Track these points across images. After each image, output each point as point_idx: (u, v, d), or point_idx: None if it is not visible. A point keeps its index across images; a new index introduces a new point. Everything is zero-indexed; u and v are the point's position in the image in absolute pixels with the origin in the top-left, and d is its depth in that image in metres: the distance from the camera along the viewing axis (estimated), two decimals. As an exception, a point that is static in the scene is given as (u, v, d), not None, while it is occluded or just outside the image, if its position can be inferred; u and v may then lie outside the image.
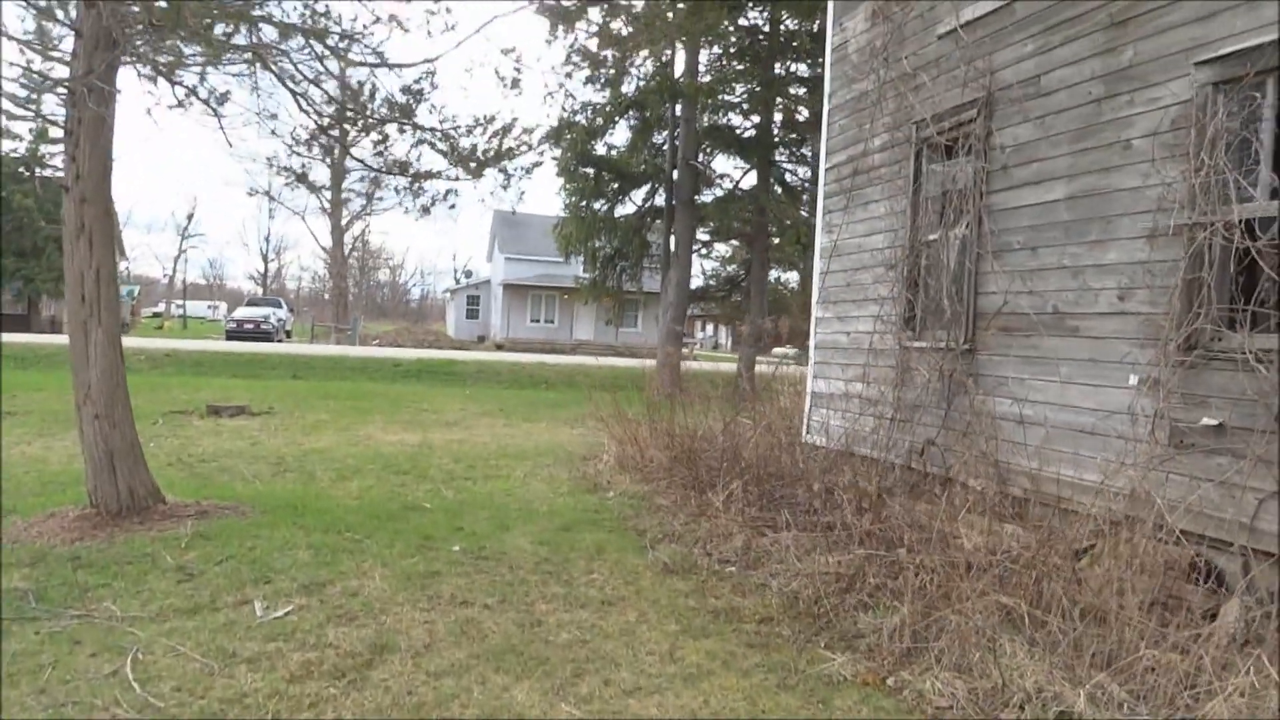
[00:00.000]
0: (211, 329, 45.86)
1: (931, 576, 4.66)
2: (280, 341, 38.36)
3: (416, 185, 7.69)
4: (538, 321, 49.13)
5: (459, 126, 7.34)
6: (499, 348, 44.43)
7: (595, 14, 18.34)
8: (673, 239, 20.18)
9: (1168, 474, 5.36)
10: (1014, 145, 6.93)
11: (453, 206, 15.02)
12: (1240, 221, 5.07)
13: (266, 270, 78.58)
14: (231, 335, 38.26)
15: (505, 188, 7.56)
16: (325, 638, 4.22)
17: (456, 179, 7.56)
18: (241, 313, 42.22)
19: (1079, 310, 6.24)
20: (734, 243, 23.86)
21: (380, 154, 7.30)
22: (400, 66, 6.55)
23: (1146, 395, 5.64)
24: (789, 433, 9.56)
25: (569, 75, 18.00)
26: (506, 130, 7.54)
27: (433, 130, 6.93)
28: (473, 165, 7.55)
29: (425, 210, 8.20)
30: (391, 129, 6.98)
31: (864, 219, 8.94)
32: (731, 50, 19.12)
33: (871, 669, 4.15)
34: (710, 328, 69.83)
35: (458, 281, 70.04)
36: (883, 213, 8.66)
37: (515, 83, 8.07)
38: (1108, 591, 4.54)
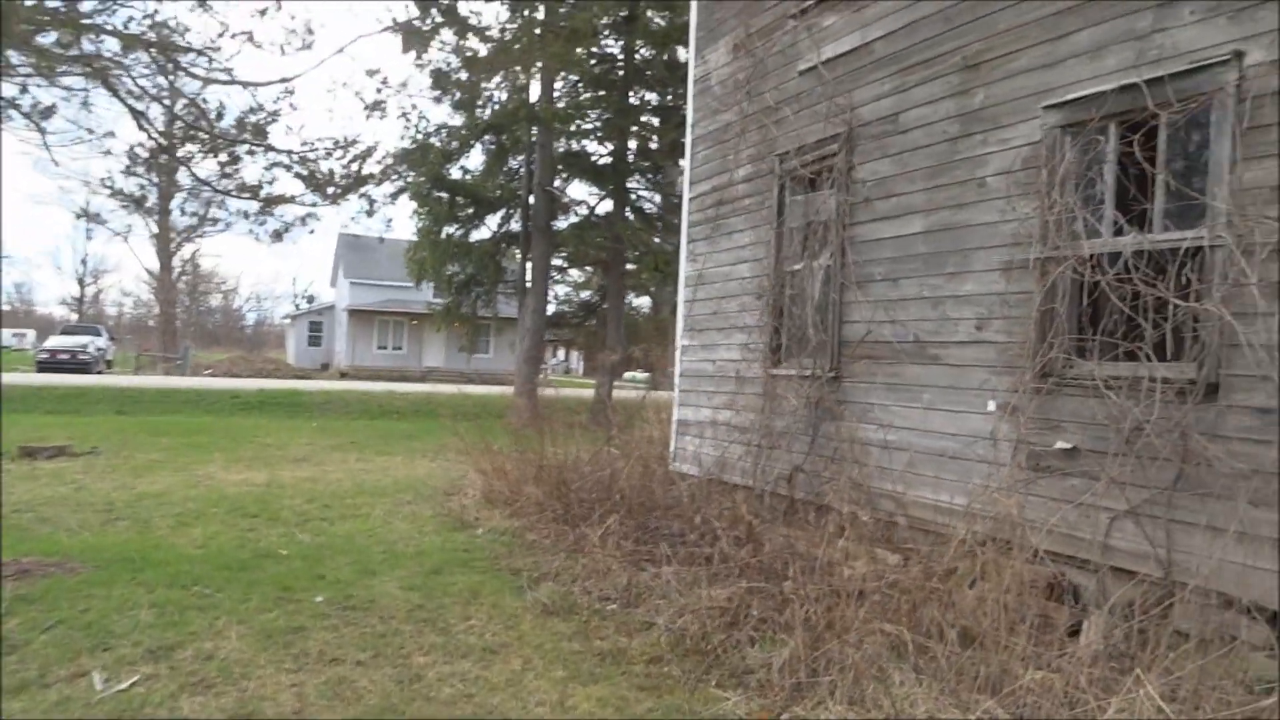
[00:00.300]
0: (19, 360, 42.15)
1: (815, 607, 4.67)
2: (100, 373, 35.56)
3: (266, 211, 7.25)
4: (385, 348, 47.67)
5: (317, 149, 6.97)
6: (344, 376, 42.80)
7: (450, 35, 18.05)
8: (529, 265, 19.98)
9: (1027, 496, 5.60)
10: (874, 179, 7.17)
11: (312, 232, 14.32)
12: (1089, 256, 5.38)
13: (83, 295, 73.06)
14: (44, 367, 35.15)
15: (369, 214, 7.21)
16: (179, 709, 3.81)
17: (315, 205, 7.16)
18: (55, 342, 38.83)
19: (939, 339, 6.48)
20: (589, 269, 23.88)
21: (228, 176, 6.83)
22: (253, 85, 6.15)
23: (1005, 421, 5.89)
24: (658, 462, 9.53)
25: (435, 100, 17.60)
26: (368, 154, 7.22)
27: (289, 153, 6.54)
28: (331, 191, 7.18)
29: (278, 236, 7.75)
30: (242, 150, 6.54)
31: (729, 248, 9.06)
32: (586, 77, 19.18)
33: (765, 706, 4.11)
34: (561, 353, 69.66)
35: (298, 307, 67.22)
36: (747, 242, 8.80)
37: (378, 105, 7.77)
38: (979, 613, 4.68)
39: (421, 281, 22.08)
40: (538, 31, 17.04)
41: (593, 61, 18.86)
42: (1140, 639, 4.51)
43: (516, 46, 17.35)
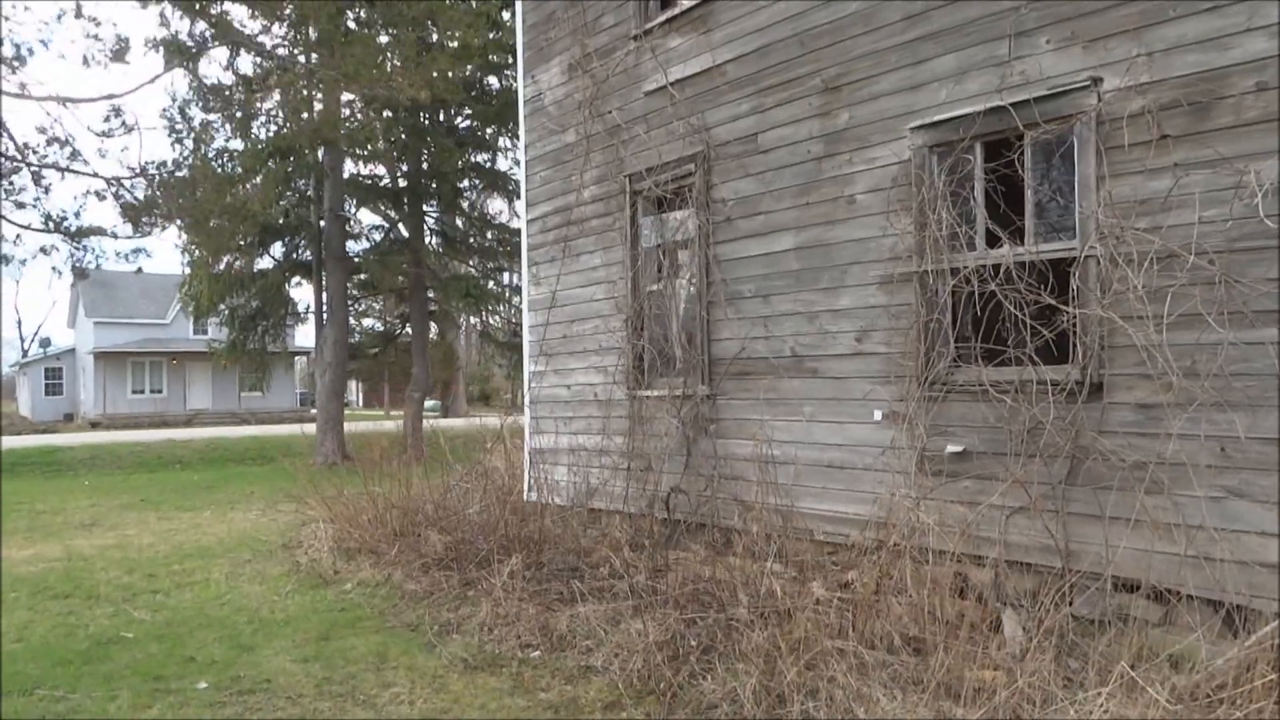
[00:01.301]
0: None
1: (764, 632, 4.61)
2: None
3: (78, 244, 6.33)
4: (142, 392, 43.31)
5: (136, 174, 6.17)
6: (95, 426, 38.57)
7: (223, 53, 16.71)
8: (326, 295, 18.80)
9: (923, 500, 5.83)
10: (737, 198, 7.27)
11: (139, 270, 12.79)
12: (967, 269, 5.69)
13: None
14: None
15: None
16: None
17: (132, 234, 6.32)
18: None
19: (818, 353, 6.65)
20: (382, 297, 22.84)
21: (32, 205, 5.89)
22: (72, 101, 5.32)
23: (893, 429, 6.12)
24: (509, 494, 9.20)
25: (225, 118, 16.14)
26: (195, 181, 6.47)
27: (111, 180, 5.73)
28: (146, 219, 6.38)
29: (83, 274, 6.79)
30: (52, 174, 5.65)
31: (579, 270, 8.91)
32: (376, 101, 18.34)
33: (741, 741, 3.99)
34: (352, 384, 66.34)
35: (25, 354, 60.06)
36: (599, 264, 8.68)
37: (174, 128, 6.97)
38: (915, 621, 4.80)
39: (199, 317, 20.26)
40: (314, 56, 16.11)
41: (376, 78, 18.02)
42: (1047, 628, 4.79)
43: (298, 64, 16.34)
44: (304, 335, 41.53)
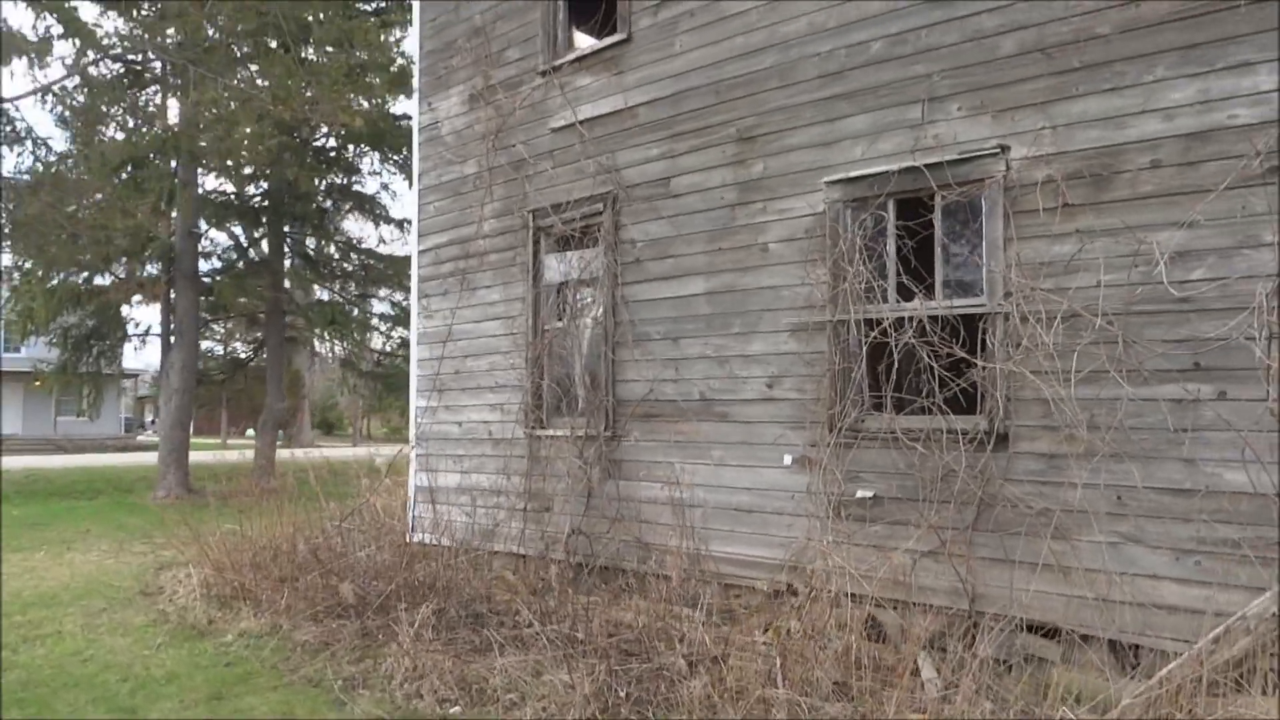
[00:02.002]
0: None
1: (699, 681, 4.57)
2: None
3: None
4: (-60, 413, 39.26)
5: None
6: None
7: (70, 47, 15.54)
8: (175, 316, 17.61)
9: (833, 544, 5.95)
10: (647, 240, 7.30)
11: None
12: (879, 319, 5.89)
13: None
14: None
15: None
16: None
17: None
18: None
19: (728, 397, 6.72)
20: (234, 321, 21.61)
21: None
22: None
23: (803, 473, 6.24)
24: (392, 533, 8.82)
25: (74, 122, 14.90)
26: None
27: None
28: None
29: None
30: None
31: (475, 305, 8.70)
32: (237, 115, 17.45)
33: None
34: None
35: None
36: (497, 299, 8.51)
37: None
38: (843, 666, 4.87)
39: (27, 337, 18.57)
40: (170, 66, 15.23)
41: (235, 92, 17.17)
42: (957, 668, 4.96)
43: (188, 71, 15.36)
44: (130, 357, 38.80)
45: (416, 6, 9.67)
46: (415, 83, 9.67)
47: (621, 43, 7.57)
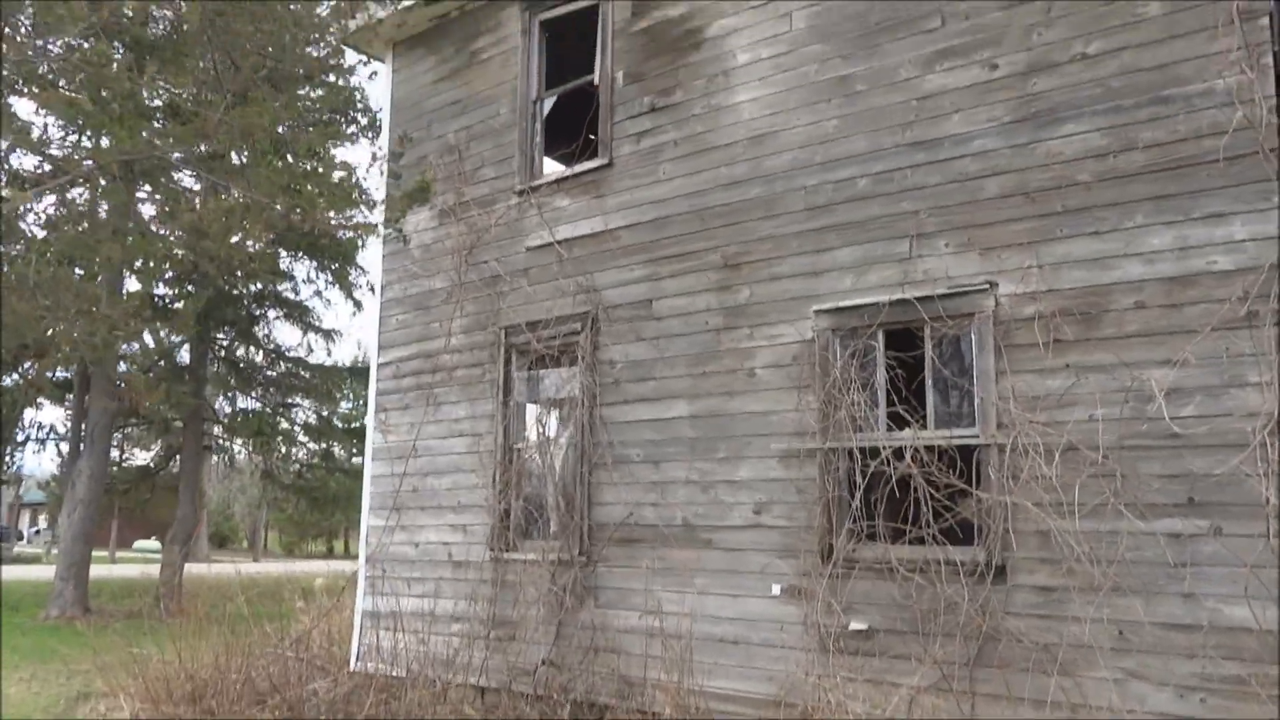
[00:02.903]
0: None
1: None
2: None
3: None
4: None
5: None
6: None
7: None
8: (85, 422, 16.70)
9: (824, 678, 5.80)
10: (627, 362, 7.26)
11: None
12: (872, 448, 5.93)
13: None
14: None
15: None
16: None
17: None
18: None
19: (712, 523, 6.61)
20: (147, 429, 20.57)
21: None
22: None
23: (792, 604, 6.12)
24: (332, 662, 8.30)
25: None
26: None
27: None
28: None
29: None
30: None
31: (440, 420, 8.46)
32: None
33: None
34: (43, 520, 58.16)
35: None
36: (464, 415, 8.30)
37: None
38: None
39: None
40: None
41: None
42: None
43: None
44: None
45: (386, 120, 9.70)
46: (382, 193, 9.60)
47: (603, 167, 7.70)
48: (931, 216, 5.97)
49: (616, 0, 7.89)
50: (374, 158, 7.60)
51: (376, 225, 6.58)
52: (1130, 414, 5.13)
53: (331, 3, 5.73)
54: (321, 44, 6.11)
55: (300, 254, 18.52)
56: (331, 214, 6.42)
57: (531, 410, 8.14)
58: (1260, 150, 4.88)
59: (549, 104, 8.65)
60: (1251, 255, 4.91)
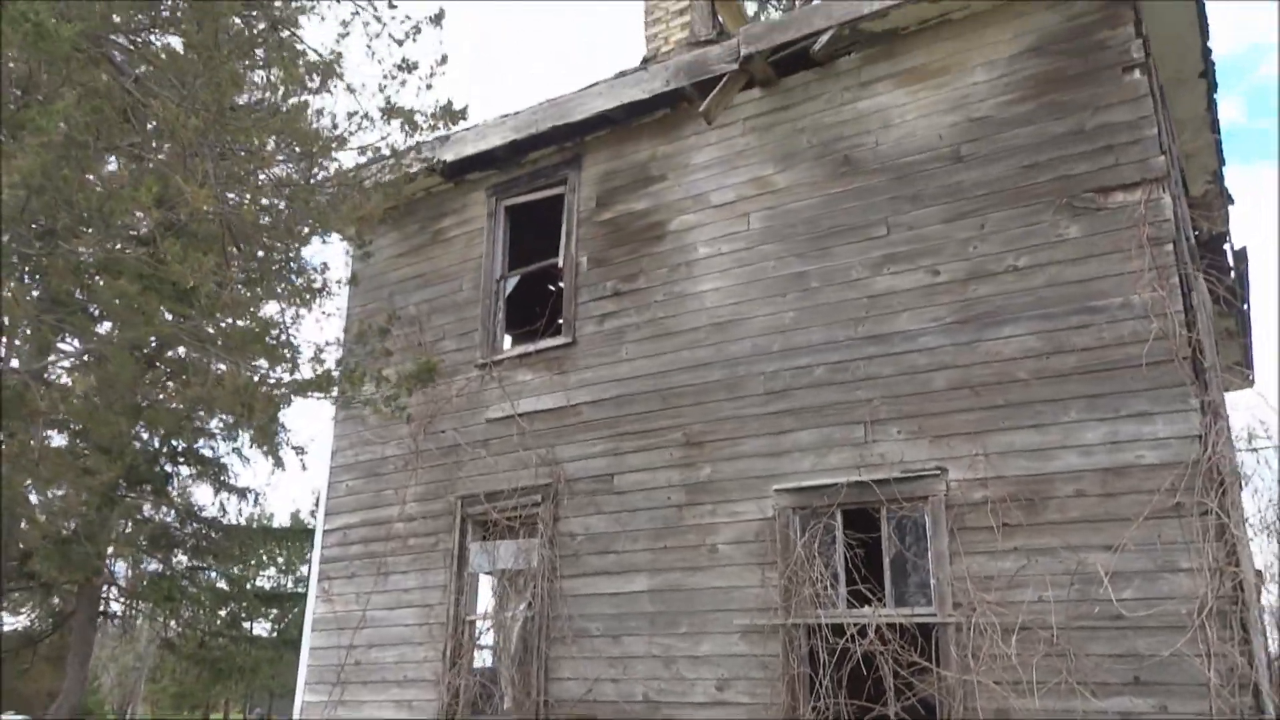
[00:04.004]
0: None
1: None
2: None
3: None
4: None
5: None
6: None
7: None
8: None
9: None
10: (587, 534, 7.40)
11: None
12: (832, 624, 6.15)
13: None
14: None
15: None
16: None
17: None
18: None
19: (674, 699, 6.64)
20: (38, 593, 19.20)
21: None
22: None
23: (757, 783, 6.12)
24: None
25: None
26: None
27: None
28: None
29: None
30: None
31: (388, 590, 8.33)
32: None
33: None
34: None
35: None
36: (414, 585, 8.20)
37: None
38: None
39: None
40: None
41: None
42: None
43: None
44: None
45: (346, 292, 9.94)
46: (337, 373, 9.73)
47: (567, 345, 8.06)
48: (885, 405, 6.46)
49: (581, 192, 8.49)
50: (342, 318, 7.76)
51: (334, 395, 6.66)
52: (1076, 595, 5.51)
53: (331, 190, 6.06)
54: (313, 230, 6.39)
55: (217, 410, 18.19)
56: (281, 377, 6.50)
57: (485, 582, 8.12)
58: (1175, 358, 5.54)
59: (512, 283, 9.08)
60: (1175, 451, 5.48)
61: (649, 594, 6.98)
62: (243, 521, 18.65)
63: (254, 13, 4.91)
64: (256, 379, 7.56)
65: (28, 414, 7.47)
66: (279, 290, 7.54)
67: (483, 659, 7.82)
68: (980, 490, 5.96)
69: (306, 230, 6.13)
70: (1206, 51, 6.96)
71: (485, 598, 8.22)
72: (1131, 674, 5.27)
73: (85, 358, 14.49)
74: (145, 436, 17.43)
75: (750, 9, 19.86)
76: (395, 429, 8.89)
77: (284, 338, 7.90)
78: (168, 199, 4.44)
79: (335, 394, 6.16)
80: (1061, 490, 5.75)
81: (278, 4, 5.35)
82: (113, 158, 4.78)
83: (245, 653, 17.36)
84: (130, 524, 17.78)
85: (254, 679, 17.41)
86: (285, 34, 5.02)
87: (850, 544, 6.35)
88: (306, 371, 7.67)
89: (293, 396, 6.46)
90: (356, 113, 5.86)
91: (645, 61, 8.62)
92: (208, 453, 18.61)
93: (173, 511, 18.11)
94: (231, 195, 5.09)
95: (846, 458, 6.47)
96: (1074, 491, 5.71)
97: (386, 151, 6.74)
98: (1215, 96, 7.42)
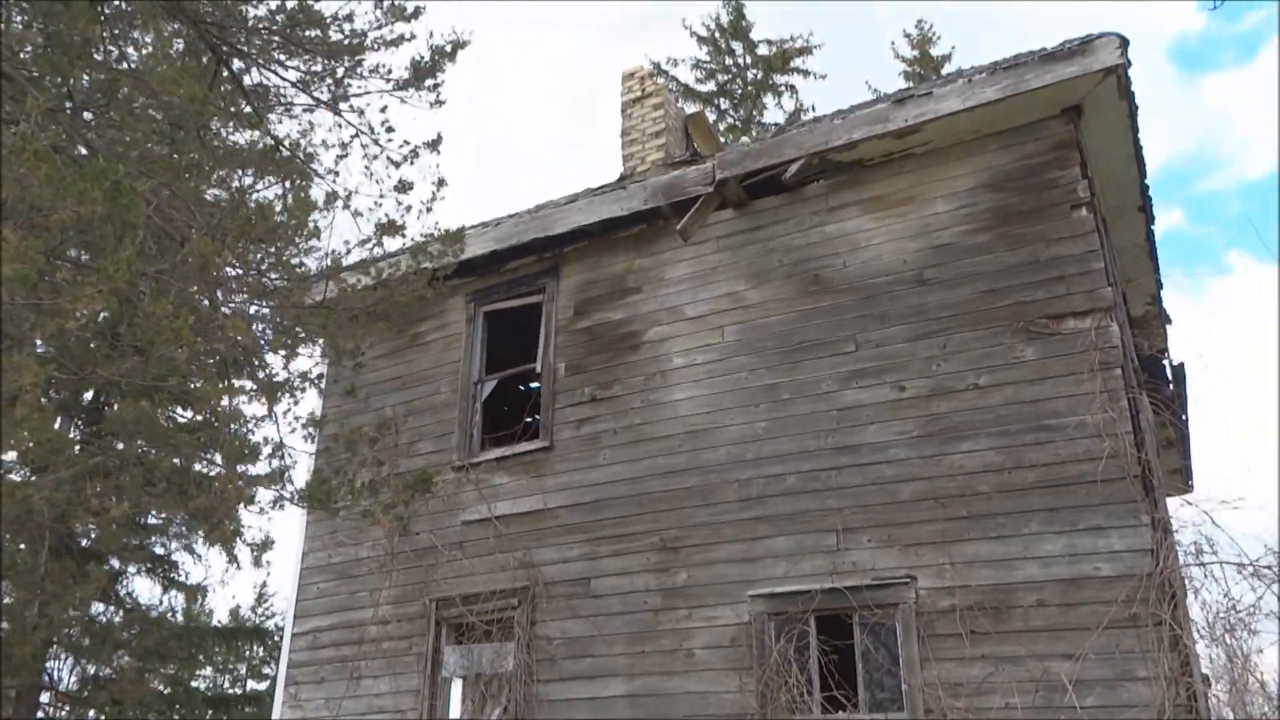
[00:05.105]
0: None
1: None
2: None
3: None
4: None
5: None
6: None
7: None
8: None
9: None
10: (564, 638, 7.48)
11: None
12: (807, 731, 6.29)
13: None
14: None
15: None
16: None
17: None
18: None
19: (650, 808, 6.67)
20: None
21: None
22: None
23: None
24: None
25: None
26: None
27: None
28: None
29: None
30: None
31: (359, 696, 8.25)
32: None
33: None
34: None
35: None
36: (386, 690, 8.15)
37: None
38: None
39: None
40: None
41: None
42: None
43: None
44: None
45: (320, 405, 9.99)
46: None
47: (544, 449, 8.26)
48: (855, 513, 6.74)
49: (559, 300, 8.82)
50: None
51: (335, 506, 6.77)
52: (1042, 702, 5.75)
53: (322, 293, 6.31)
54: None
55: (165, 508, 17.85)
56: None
57: (458, 686, 8.11)
58: (1127, 476, 5.93)
59: (489, 387, 9.30)
60: (1129, 564, 5.82)
61: (626, 699, 7.05)
62: (190, 621, 18.12)
63: (279, 146, 5.24)
64: (226, 478, 7.61)
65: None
66: (250, 389, 7.71)
67: (455, 767, 7.76)
68: (948, 598, 6.22)
69: (300, 338, 6.33)
70: (1144, 187, 7.61)
71: (460, 703, 8.17)
72: (1097, 782, 5.48)
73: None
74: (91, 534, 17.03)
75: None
76: (370, 530, 8.92)
77: (274, 440, 8.01)
78: (201, 327, 4.65)
79: (337, 505, 6.25)
80: (1024, 599, 6.03)
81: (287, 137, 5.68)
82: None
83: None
84: (74, 626, 17.17)
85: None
86: (299, 164, 5.34)
87: (824, 649, 6.53)
88: (262, 468, 7.75)
89: (288, 504, 6.51)
90: (369, 240, 6.15)
91: (622, 179, 9.09)
92: (159, 549, 18.18)
93: (120, 611, 17.56)
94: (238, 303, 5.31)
95: (819, 564, 6.71)
96: (1036, 601, 6.00)
97: (387, 269, 7.02)
98: (1153, 228, 8.06)
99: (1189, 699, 5.41)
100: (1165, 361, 9.72)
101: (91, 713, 16.62)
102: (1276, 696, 5.99)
